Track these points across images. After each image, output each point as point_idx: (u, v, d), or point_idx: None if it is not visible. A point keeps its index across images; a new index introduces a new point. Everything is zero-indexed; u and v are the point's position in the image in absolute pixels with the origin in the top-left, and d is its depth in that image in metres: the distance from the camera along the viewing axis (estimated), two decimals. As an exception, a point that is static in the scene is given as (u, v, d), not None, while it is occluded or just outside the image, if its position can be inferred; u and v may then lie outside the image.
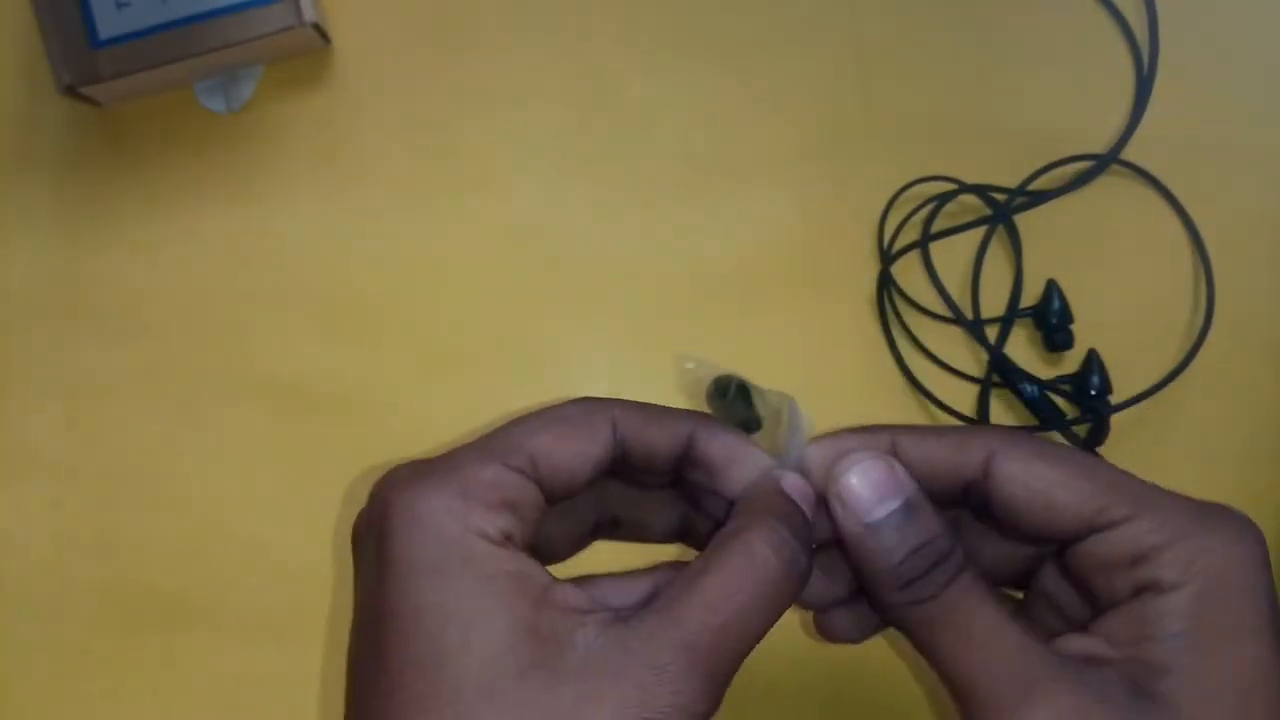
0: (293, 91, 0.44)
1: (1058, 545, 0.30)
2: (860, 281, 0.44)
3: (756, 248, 0.44)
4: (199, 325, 0.43)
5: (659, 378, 0.43)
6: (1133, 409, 0.42)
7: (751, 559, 0.27)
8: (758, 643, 0.27)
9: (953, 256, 0.44)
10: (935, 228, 0.43)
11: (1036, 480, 0.29)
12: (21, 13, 0.43)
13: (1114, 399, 0.42)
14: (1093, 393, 0.42)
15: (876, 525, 0.28)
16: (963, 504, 0.30)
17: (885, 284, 0.43)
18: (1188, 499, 0.29)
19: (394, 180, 0.44)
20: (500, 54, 0.44)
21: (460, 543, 0.26)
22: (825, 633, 0.33)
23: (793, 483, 0.30)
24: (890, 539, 0.28)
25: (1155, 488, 0.29)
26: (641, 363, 0.43)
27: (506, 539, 0.27)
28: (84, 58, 0.41)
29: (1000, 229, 0.43)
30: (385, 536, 0.27)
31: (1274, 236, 0.44)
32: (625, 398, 0.31)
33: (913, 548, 0.28)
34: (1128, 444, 0.43)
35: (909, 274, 0.43)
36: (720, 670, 0.26)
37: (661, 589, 0.27)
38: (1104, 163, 0.43)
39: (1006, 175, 0.43)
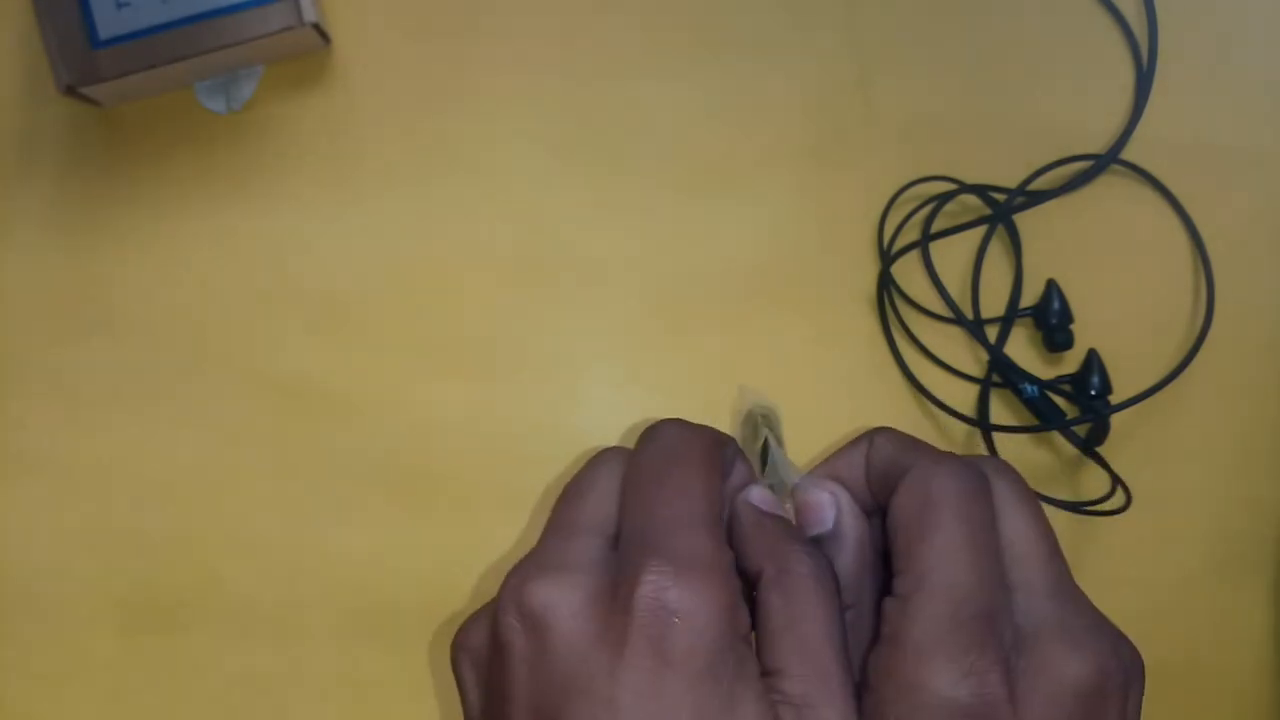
0: (293, 91, 0.44)
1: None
2: (860, 281, 0.44)
3: (756, 247, 0.44)
4: (199, 325, 0.43)
5: (659, 377, 0.43)
6: (1133, 409, 0.42)
7: (802, 580, 0.30)
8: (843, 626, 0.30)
9: (953, 256, 0.44)
10: (935, 228, 0.43)
11: (895, 515, 0.30)
12: (21, 13, 0.43)
13: (1114, 399, 0.42)
14: (1093, 393, 0.42)
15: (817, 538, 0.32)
16: None
17: (885, 284, 0.43)
18: (980, 619, 0.28)
19: (394, 180, 0.44)
20: (500, 54, 0.44)
21: (734, 649, 0.28)
22: None
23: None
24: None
25: (973, 587, 0.29)
26: (642, 362, 0.43)
27: (751, 633, 0.29)
28: (84, 58, 0.41)
29: (1000, 229, 0.43)
30: (667, 639, 0.27)
31: (1274, 236, 0.44)
32: (627, 400, 0.32)
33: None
34: (1128, 444, 0.43)
35: (909, 274, 0.43)
36: (846, 667, 0.29)
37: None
38: (1104, 163, 0.43)
39: (1006, 175, 0.43)
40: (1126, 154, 0.43)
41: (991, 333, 0.43)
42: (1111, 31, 0.44)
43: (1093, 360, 0.42)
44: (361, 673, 0.42)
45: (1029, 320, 0.43)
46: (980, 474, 0.31)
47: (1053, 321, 0.42)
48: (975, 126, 0.44)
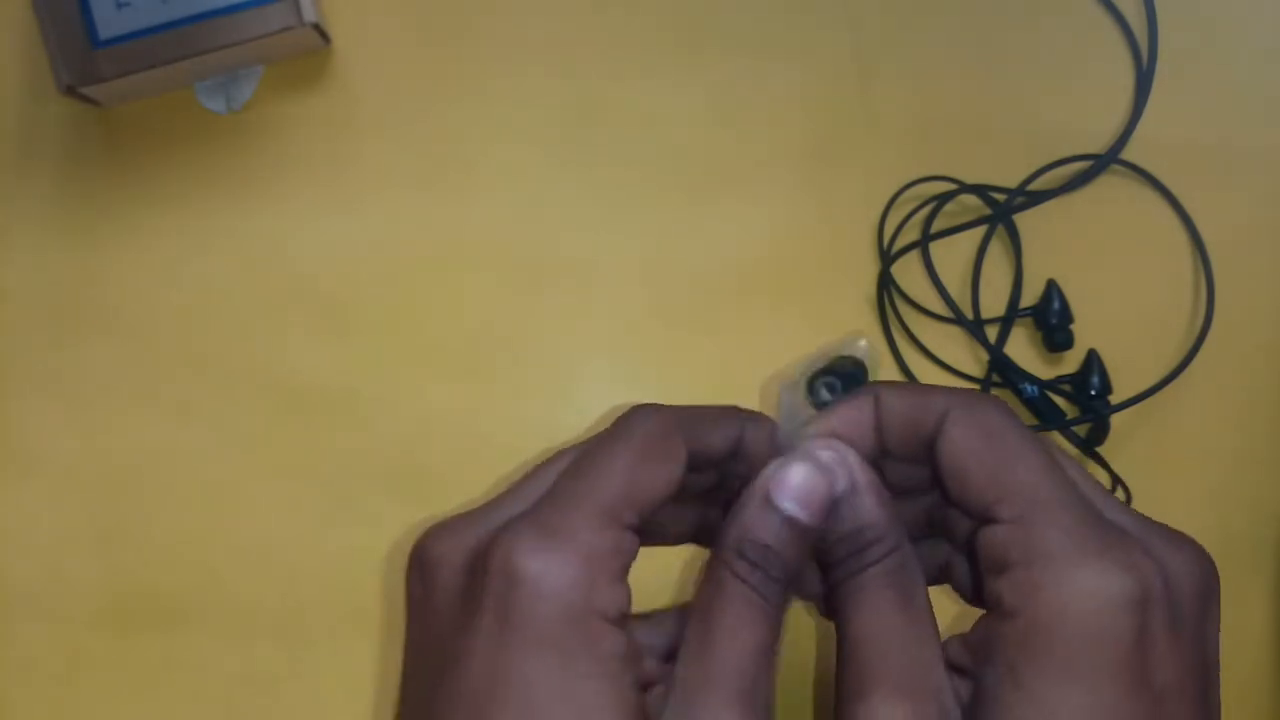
0: (293, 91, 0.44)
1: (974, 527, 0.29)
2: (860, 281, 0.44)
3: (756, 248, 0.44)
4: (199, 325, 0.43)
5: (659, 376, 0.43)
6: (1133, 409, 0.42)
7: (739, 610, 0.28)
8: (778, 653, 0.29)
9: (953, 256, 0.44)
10: (935, 228, 0.43)
11: (963, 449, 0.29)
12: (21, 13, 0.43)
13: (1114, 399, 0.42)
14: (1093, 393, 0.42)
15: (795, 517, 0.29)
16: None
17: (885, 284, 0.43)
18: (1098, 522, 0.28)
19: (394, 180, 0.44)
20: (500, 54, 0.44)
21: (583, 623, 0.27)
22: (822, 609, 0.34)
23: (789, 485, 0.30)
24: (810, 527, 0.30)
25: (1072, 501, 0.28)
26: (642, 362, 0.43)
27: (622, 616, 0.28)
28: (84, 58, 0.41)
29: (1000, 229, 0.43)
30: (511, 604, 0.27)
31: (1274, 236, 0.44)
32: (673, 403, 0.31)
33: (839, 535, 0.30)
34: (1128, 444, 0.43)
35: (909, 274, 0.43)
36: (762, 698, 0.28)
37: (683, 639, 0.29)
38: (1104, 163, 0.43)
39: (1006, 175, 0.43)
40: (1126, 154, 0.43)
41: (991, 333, 0.43)
42: (1111, 31, 0.44)
43: (1093, 360, 0.42)
44: (361, 672, 0.42)
45: (1029, 320, 0.43)
46: (1005, 403, 0.31)
47: (1053, 321, 0.42)
48: (975, 126, 0.44)
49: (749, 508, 0.29)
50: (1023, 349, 0.43)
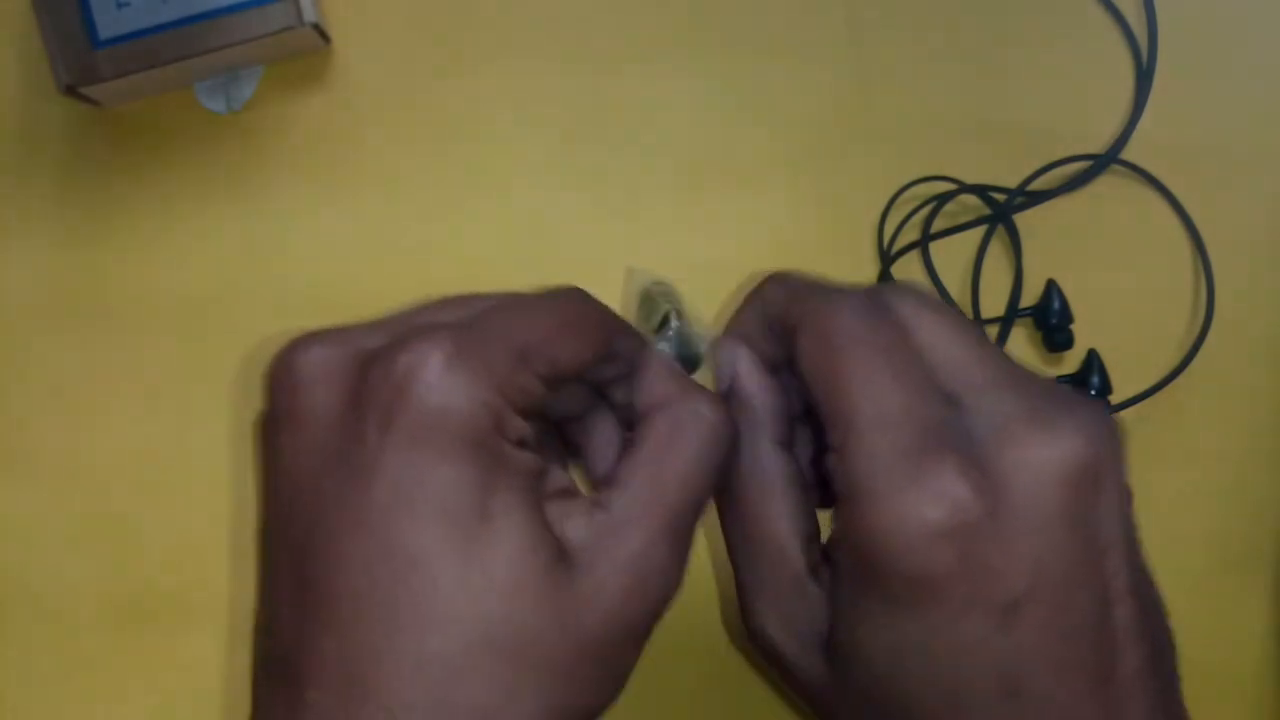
0: (293, 91, 0.44)
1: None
2: (860, 281, 0.43)
3: (756, 248, 0.44)
4: (199, 325, 0.43)
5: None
6: (1133, 409, 0.42)
7: (684, 422, 0.28)
8: (711, 490, 0.29)
9: (953, 256, 0.44)
10: (935, 228, 0.43)
11: (805, 369, 0.28)
12: (21, 13, 0.43)
13: (1114, 399, 0.42)
14: (1093, 393, 0.42)
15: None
16: None
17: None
18: (925, 439, 0.26)
19: (394, 180, 0.44)
20: (500, 54, 0.44)
21: (495, 443, 0.25)
22: None
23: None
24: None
25: (900, 417, 0.26)
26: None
27: (524, 443, 0.26)
28: (84, 58, 0.41)
29: (1000, 229, 0.43)
30: (421, 417, 0.25)
31: (1274, 236, 0.44)
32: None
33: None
34: (1128, 444, 0.43)
35: (909, 274, 0.43)
36: (684, 529, 0.27)
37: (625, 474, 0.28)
38: (1103, 163, 0.43)
39: (1006, 175, 0.43)
40: (1126, 154, 0.43)
41: (991, 333, 0.43)
42: (1111, 31, 0.44)
43: (1093, 360, 0.42)
44: (361, 673, 0.42)
45: (1029, 320, 0.43)
46: (874, 298, 0.29)
47: (1053, 321, 0.42)
48: (975, 126, 0.44)
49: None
50: (1023, 349, 0.43)
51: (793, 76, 0.44)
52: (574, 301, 0.29)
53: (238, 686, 0.42)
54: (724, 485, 0.30)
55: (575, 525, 0.26)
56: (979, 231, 0.44)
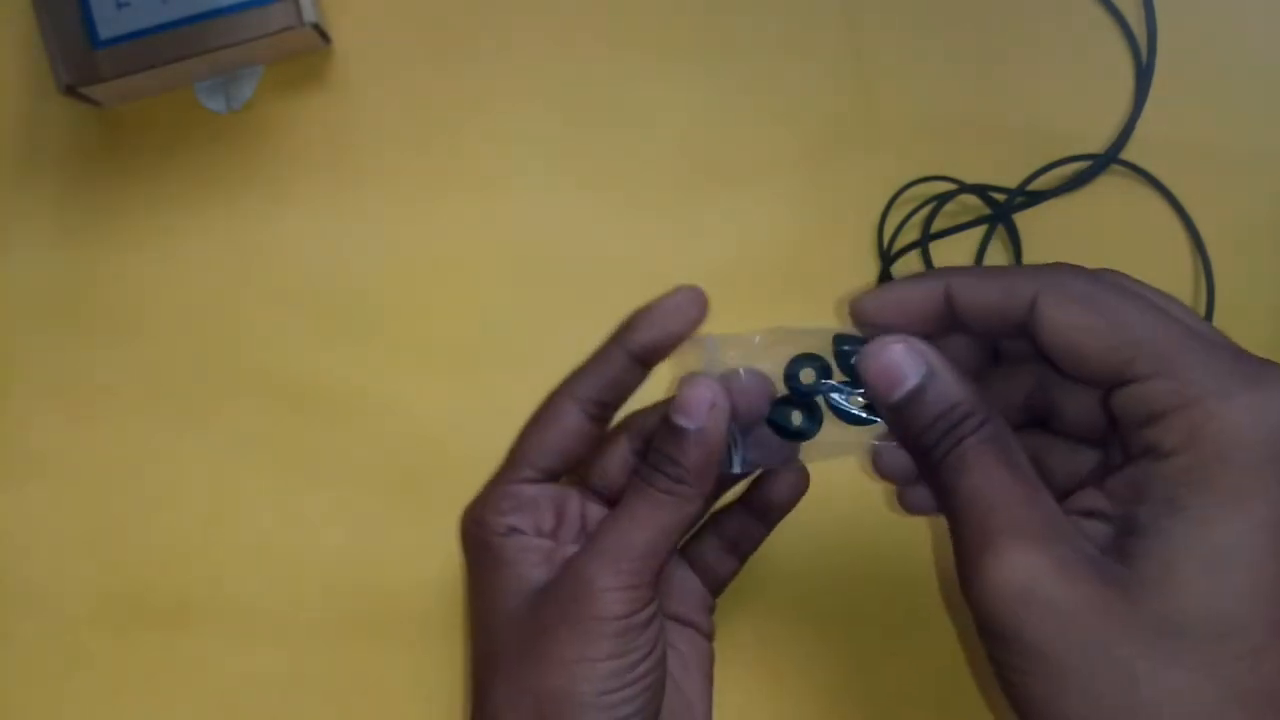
0: (293, 91, 0.44)
1: (1104, 391, 0.30)
2: (860, 281, 0.44)
3: (756, 248, 0.44)
4: (199, 325, 0.43)
5: (659, 376, 0.43)
6: (1133, 409, 0.42)
7: (645, 503, 0.34)
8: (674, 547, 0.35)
9: (953, 256, 0.44)
10: (935, 228, 0.43)
11: (1067, 327, 0.30)
12: (21, 13, 0.43)
13: (1114, 399, 0.42)
14: (1093, 392, 0.42)
15: (898, 404, 0.31)
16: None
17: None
18: (1236, 357, 0.29)
19: (394, 180, 0.44)
20: (500, 54, 0.44)
21: (480, 539, 0.36)
22: (906, 505, 0.35)
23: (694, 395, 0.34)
24: (912, 412, 0.31)
25: (1200, 342, 0.29)
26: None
27: (511, 530, 0.35)
28: (84, 58, 0.41)
29: (1000, 229, 0.43)
30: (469, 551, 0.37)
31: (1274, 236, 0.44)
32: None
33: (932, 417, 0.31)
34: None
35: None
36: (650, 575, 0.34)
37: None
38: (1103, 162, 0.43)
39: (1006, 175, 0.43)
40: (1126, 154, 0.43)
41: (991, 332, 0.43)
42: (1111, 31, 0.44)
43: (1093, 360, 0.42)
44: (361, 673, 0.42)
45: (1029, 320, 0.43)
46: (1081, 268, 0.32)
47: (1053, 321, 0.42)
48: (975, 126, 0.44)
49: (660, 425, 0.34)
50: (1023, 349, 0.43)
51: (793, 76, 0.44)
52: (543, 403, 0.38)
53: (238, 686, 0.42)
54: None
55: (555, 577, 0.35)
56: (979, 231, 0.44)
